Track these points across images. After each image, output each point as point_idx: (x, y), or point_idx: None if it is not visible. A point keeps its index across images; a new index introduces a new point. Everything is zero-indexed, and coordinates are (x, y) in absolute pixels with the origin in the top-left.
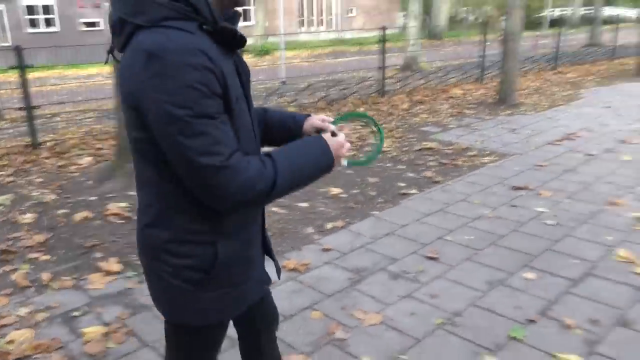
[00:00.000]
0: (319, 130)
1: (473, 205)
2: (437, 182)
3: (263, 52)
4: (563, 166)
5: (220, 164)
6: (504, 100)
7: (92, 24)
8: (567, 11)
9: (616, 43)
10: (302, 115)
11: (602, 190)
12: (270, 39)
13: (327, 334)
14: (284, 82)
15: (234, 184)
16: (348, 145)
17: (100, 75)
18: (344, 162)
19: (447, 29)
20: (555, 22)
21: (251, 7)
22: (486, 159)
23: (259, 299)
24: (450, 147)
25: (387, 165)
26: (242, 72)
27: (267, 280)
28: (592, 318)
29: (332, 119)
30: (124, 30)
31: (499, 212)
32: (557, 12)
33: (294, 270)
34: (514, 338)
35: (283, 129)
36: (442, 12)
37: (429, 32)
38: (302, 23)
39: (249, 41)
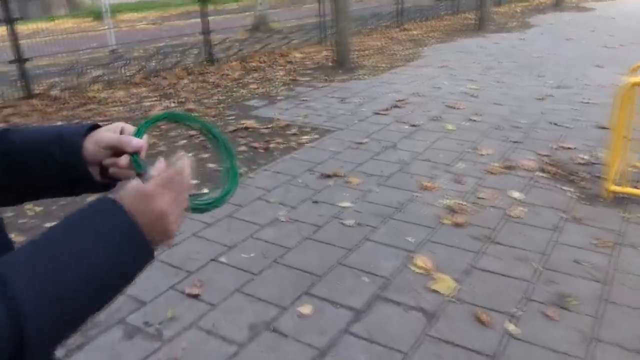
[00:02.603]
0: (118, 153)
1: (269, 205)
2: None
3: (93, 15)
4: (383, 142)
5: None
6: (341, 63)
7: None
8: None
9: None
10: (80, 129)
11: (417, 171)
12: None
13: None
14: (113, 51)
15: None
16: (188, 183)
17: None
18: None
19: None
20: None
21: None
22: (305, 138)
23: None
24: (269, 126)
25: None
26: None
27: None
28: None
29: (134, 128)
30: None
31: (296, 212)
32: None
33: None
34: None
35: (42, 161)
36: None
37: None
38: None
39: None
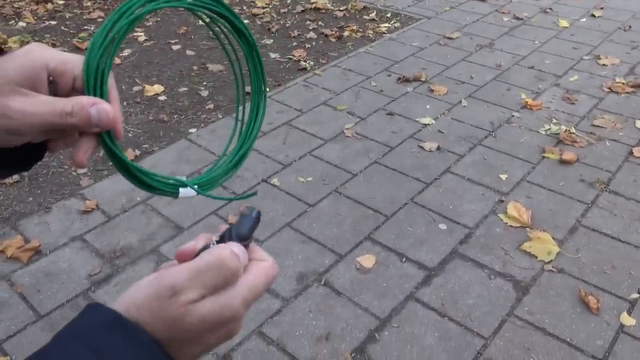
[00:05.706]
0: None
1: (335, 113)
2: (303, 70)
3: None
4: (478, 38)
5: None
6: None
7: None
8: None
9: None
10: None
11: (517, 81)
12: None
13: None
14: None
15: None
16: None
17: None
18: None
19: None
20: None
21: None
22: (384, 27)
23: None
24: (344, 7)
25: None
26: None
27: None
28: None
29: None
30: None
31: (365, 126)
32: None
33: (11, 259)
34: None
35: None
36: None
37: None
38: None
39: None
